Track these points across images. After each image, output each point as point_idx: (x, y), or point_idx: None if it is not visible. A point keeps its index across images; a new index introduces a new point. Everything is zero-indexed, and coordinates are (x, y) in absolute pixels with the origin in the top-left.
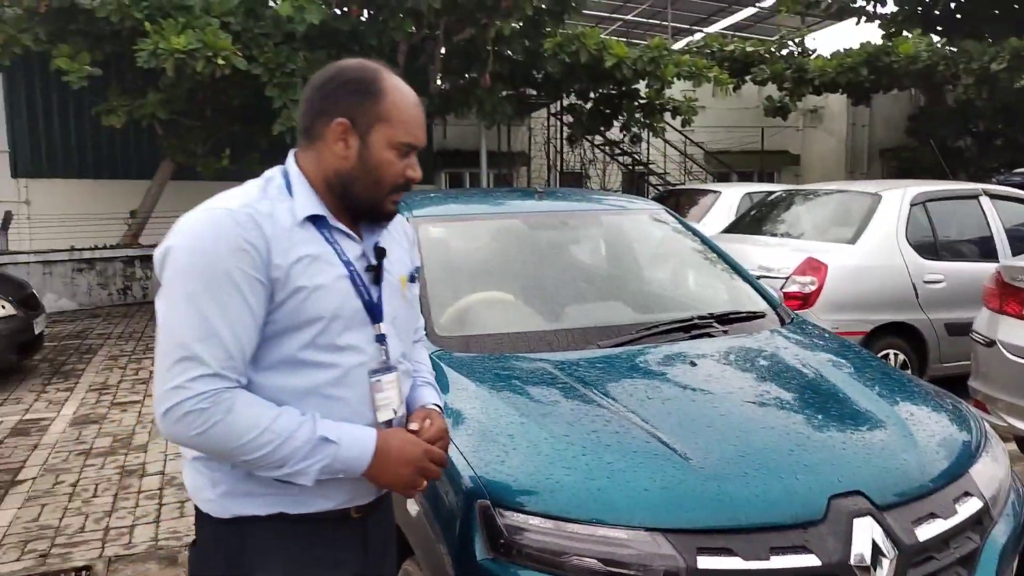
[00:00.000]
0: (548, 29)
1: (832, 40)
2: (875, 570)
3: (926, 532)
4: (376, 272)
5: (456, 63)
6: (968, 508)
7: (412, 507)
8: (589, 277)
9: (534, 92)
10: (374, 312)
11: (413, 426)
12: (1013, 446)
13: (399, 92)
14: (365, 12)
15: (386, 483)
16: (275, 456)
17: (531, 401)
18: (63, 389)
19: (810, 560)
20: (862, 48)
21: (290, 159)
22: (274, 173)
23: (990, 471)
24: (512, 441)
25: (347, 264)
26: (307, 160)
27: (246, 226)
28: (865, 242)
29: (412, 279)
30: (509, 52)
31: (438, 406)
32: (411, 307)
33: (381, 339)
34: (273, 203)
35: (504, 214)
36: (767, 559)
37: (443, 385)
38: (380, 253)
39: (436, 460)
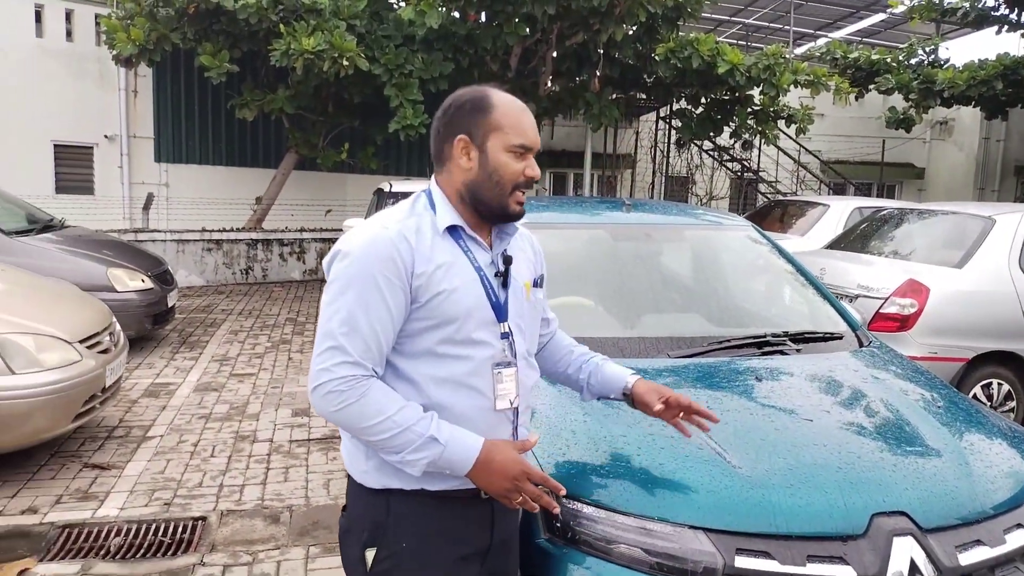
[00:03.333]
0: (661, 34)
1: (968, 49)
2: None
3: (969, 558)
4: (503, 277)
5: (567, 66)
6: (1018, 539)
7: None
8: (669, 289)
9: (643, 96)
10: (500, 312)
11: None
12: None
13: (506, 104)
14: (482, 16)
15: (484, 488)
16: (392, 443)
17: (595, 402)
18: (189, 358)
19: (846, 572)
20: (998, 60)
21: (431, 181)
22: (420, 194)
23: None
24: (574, 436)
25: (478, 269)
26: (442, 180)
27: (396, 240)
28: (974, 267)
29: (536, 284)
30: (620, 56)
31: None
32: (535, 309)
33: (506, 336)
34: (419, 218)
35: (591, 224)
36: (803, 565)
37: None
38: (507, 260)
39: (535, 479)
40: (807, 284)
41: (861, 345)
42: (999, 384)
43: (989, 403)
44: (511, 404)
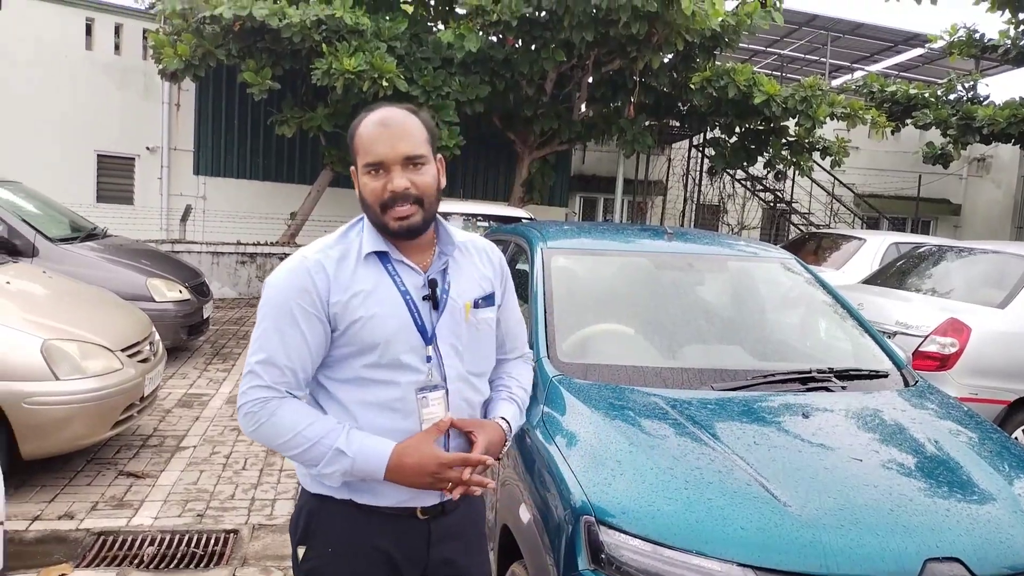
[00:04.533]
0: (697, 63)
1: (1007, 86)
2: None
3: None
4: (432, 300)
5: (602, 92)
6: None
7: (524, 515)
8: (710, 320)
9: (676, 123)
10: (426, 335)
11: (449, 416)
12: None
13: (365, 124)
14: (519, 41)
15: (408, 487)
16: (306, 457)
17: (641, 432)
18: (222, 369)
19: None
20: None
21: None
22: (360, 217)
23: None
24: (620, 467)
25: (404, 293)
26: None
27: (312, 271)
28: (1016, 307)
29: (478, 304)
30: (656, 84)
31: (504, 419)
32: (479, 329)
33: (429, 359)
34: (348, 244)
35: (632, 251)
36: None
37: (560, 407)
38: (432, 284)
39: (455, 463)
40: (851, 319)
41: (907, 384)
42: None
43: None
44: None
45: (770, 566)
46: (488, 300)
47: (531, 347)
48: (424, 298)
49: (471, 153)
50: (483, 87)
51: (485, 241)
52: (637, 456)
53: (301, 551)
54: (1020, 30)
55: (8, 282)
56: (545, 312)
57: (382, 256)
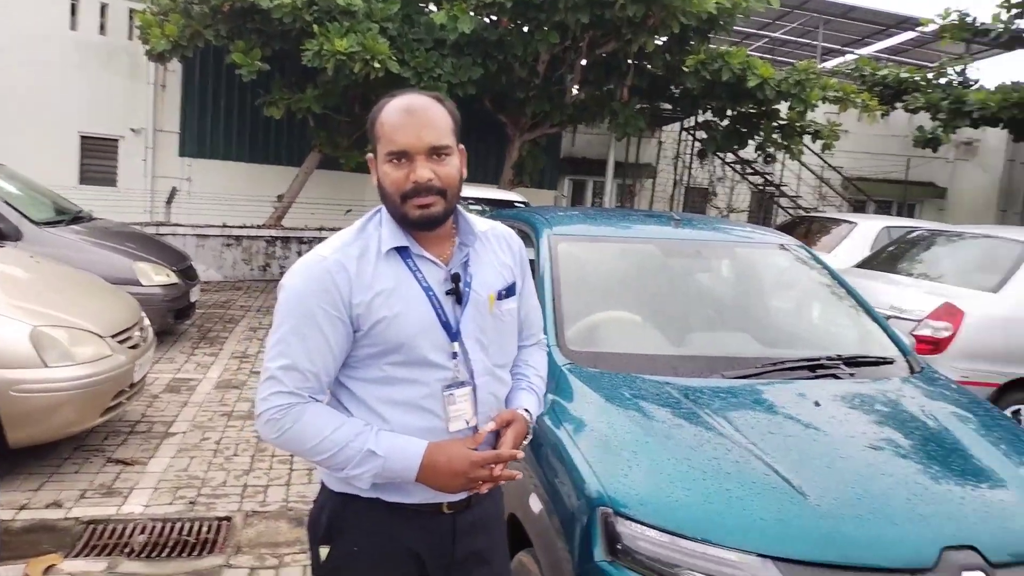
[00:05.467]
0: (691, 46)
1: (994, 71)
2: None
3: None
4: (456, 294)
5: (595, 74)
6: None
7: (535, 505)
8: (718, 307)
9: (669, 107)
10: (451, 331)
11: (489, 426)
12: None
13: (388, 110)
14: (513, 23)
15: (440, 489)
16: (334, 461)
17: (655, 422)
18: (209, 354)
19: None
20: None
21: None
22: (378, 209)
23: None
24: (635, 457)
25: (427, 289)
26: None
27: (333, 271)
28: (1009, 292)
29: (501, 296)
30: (649, 66)
31: (527, 411)
32: (503, 321)
33: (454, 356)
34: (368, 239)
35: (640, 238)
36: None
37: (568, 395)
38: (455, 278)
39: (487, 461)
40: (856, 305)
41: (912, 370)
42: None
43: None
44: (467, 424)
45: (790, 556)
46: (510, 290)
47: None
48: (447, 293)
49: (461, 136)
50: (476, 69)
51: (505, 228)
52: (653, 446)
53: (324, 551)
54: (1012, 14)
55: None
56: (553, 300)
57: (402, 251)
